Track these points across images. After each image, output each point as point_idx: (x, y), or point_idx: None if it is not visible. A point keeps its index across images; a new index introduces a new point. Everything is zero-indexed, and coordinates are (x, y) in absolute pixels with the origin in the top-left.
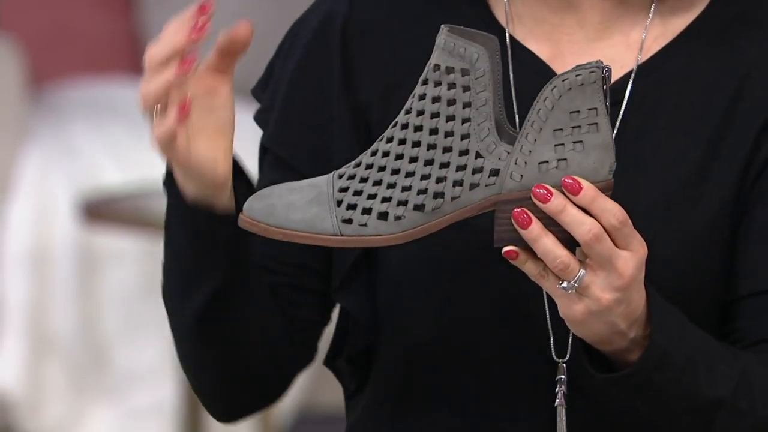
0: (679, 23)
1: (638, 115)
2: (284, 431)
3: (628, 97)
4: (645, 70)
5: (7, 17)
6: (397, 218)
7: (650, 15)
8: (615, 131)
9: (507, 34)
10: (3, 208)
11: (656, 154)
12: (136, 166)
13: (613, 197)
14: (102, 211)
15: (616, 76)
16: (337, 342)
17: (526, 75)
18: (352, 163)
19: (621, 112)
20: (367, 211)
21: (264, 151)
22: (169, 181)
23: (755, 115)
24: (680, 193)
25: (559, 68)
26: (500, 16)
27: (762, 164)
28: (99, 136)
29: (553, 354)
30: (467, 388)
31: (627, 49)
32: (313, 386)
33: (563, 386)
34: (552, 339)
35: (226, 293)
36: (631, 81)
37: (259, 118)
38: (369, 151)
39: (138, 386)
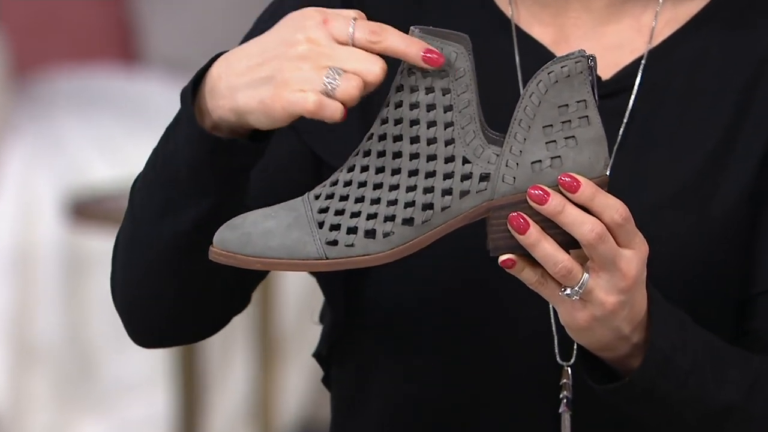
0: (691, 7)
1: (648, 103)
2: None
3: (638, 83)
4: (656, 56)
5: None
6: (386, 235)
7: None
8: (625, 119)
9: (512, 23)
10: None
11: (667, 144)
12: (126, 161)
13: (623, 189)
14: (90, 209)
15: (625, 61)
16: (327, 338)
17: (531, 64)
18: (328, 182)
19: (631, 100)
20: (352, 230)
21: None
22: (190, 99)
23: None
24: (693, 184)
25: (563, 54)
26: (501, 2)
27: None
28: (87, 128)
29: (558, 357)
30: (467, 394)
31: (637, 33)
32: (316, 400)
33: (568, 391)
34: (556, 341)
35: (221, 213)
36: (641, 67)
37: None
38: (345, 167)
39: (128, 398)
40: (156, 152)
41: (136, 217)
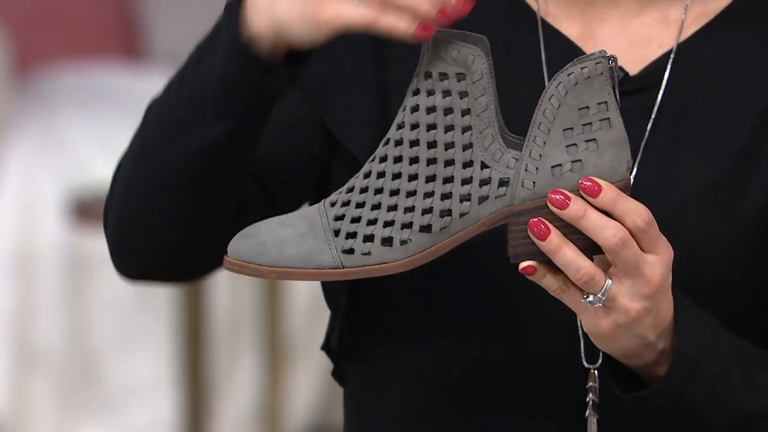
0: (721, 1)
1: (677, 99)
2: None
3: (667, 79)
4: (685, 51)
5: None
6: (403, 242)
7: None
8: (653, 115)
9: (539, 17)
10: None
11: (697, 140)
12: None
13: (649, 187)
14: (94, 209)
15: (653, 56)
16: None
17: (558, 59)
18: (344, 188)
19: (659, 96)
20: (369, 238)
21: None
22: (236, 10)
23: None
24: (724, 182)
25: (590, 49)
26: None
27: None
28: (90, 126)
29: (584, 360)
30: (491, 396)
31: (665, 27)
32: (325, 405)
33: (594, 395)
34: (582, 343)
35: (239, 139)
36: (670, 62)
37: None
38: (361, 173)
39: (133, 402)
40: (182, 72)
41: (148, 137)
